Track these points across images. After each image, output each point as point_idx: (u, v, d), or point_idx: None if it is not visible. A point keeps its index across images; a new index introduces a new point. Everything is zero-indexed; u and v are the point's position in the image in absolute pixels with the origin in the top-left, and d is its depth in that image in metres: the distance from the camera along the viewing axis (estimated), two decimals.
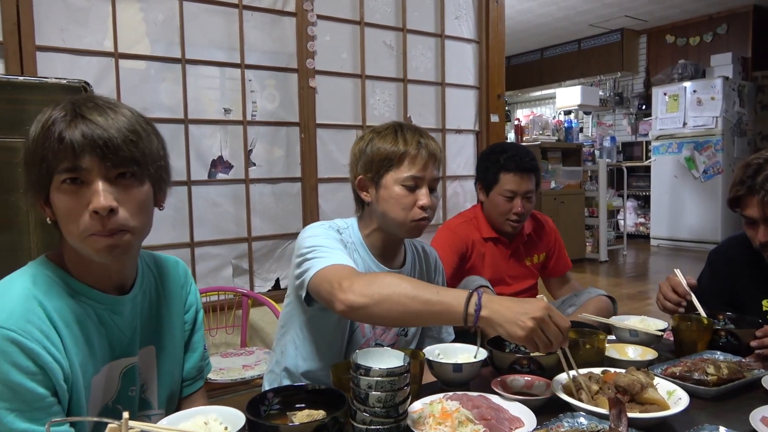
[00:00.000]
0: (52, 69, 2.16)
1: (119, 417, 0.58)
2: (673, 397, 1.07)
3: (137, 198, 0.86)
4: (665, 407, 1.03)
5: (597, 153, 7.25)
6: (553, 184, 5.76)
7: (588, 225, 6.24)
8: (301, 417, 0.97)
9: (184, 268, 1.14)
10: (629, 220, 7.68)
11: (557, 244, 2.11)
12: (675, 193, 6.93)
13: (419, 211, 1.25)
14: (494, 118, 3.25)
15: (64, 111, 0.83)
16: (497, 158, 1.90)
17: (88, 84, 1.66)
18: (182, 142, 2.44)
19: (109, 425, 0.53)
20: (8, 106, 1.51)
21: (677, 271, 1.55)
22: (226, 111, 2.57)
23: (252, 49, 2.62)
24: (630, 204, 7.82)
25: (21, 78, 1.62)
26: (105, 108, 0.84)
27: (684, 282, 1.50)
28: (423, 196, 1.25)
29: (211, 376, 1.92)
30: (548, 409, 1.07)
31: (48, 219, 0.87)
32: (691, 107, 6.81)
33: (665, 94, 7.08)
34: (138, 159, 0.85)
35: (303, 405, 1.01)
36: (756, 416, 1.00)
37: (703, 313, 1.46)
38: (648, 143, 7.63)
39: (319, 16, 2.77)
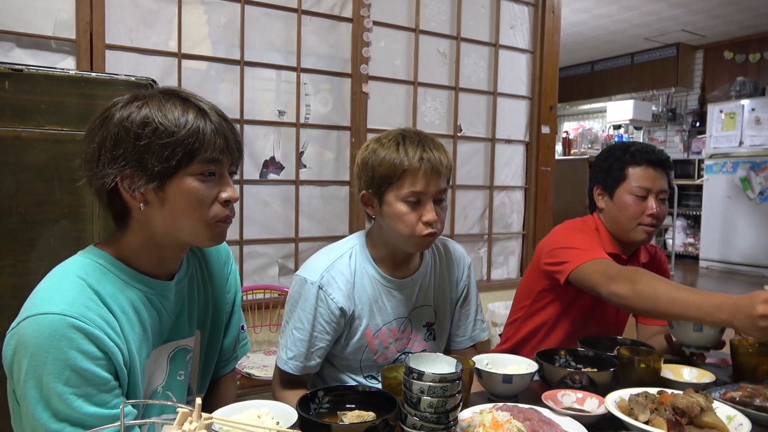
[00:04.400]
0: (118, 67, 2.25)
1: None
2: (734, 423, 1.04)
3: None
4: (723, 431, 1.00)
5: None
6: None
7: None
8: (351, 417, 0.97)
9: (226, 248, 1.16)
10: (678, 239, 7.44)
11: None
12: (728, 213, 6.68)
13: (424, 226, 1.22)
14: (545, 130, 3.21)
15: (186, 103, 0.89)
16: (623, 153, 1.64)
17: (154, 81, 1.72)
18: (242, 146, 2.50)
19: (181, 410, 0.55)
20: (80, 101, 1.57)
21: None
22: (281, 113, 2.63)
23: (308, 53, 2.67)
24: (679, 223, 7.58)
25: (94, 74, 1.69)
26: (210, 104, 0.94)
27: None
28: (427, 212, 1.21)
29: (255, 372, 1.96)
30: (601, 426, 1.05)
31: (141, 206, 0.88)
32: (748, 126, 6.56)
33: (721, 111, 6.84)
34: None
35: (353, 406, 1.01)
36: None
37: None
38: (701, 161, 7.38)
39: (375, 23, 2.80)
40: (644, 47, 8.27)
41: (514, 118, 3.20)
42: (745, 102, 6.63)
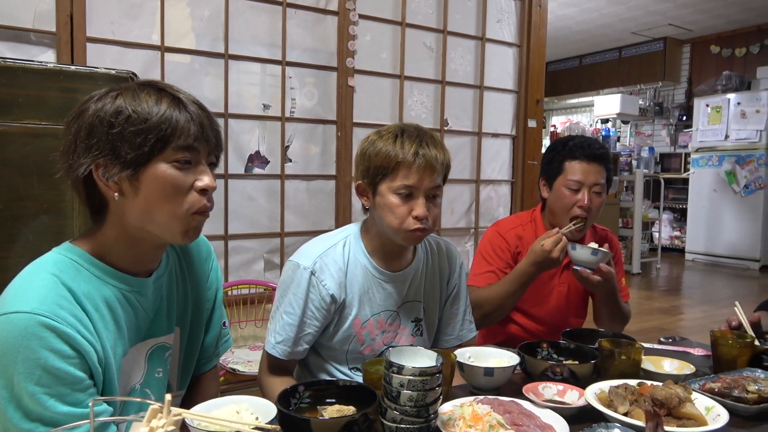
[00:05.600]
0: (100, 60, 2.22)
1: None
2: (712, 413, 1.05)
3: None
4: (703, 423, 1.01)
5: (634, 163, 7.10)
6: None
7: (622, 236, 6.13)
8: (331, 412, 0.97)
9: (207, 244, 1.15)
10: (664, 232, 7.51)
11: (618, 267, 1.85)
12: (713, 207, 6.75)
13: (414, 221, 1.22)
14: (532, 124, 3.22)
15: (160, 92, 0.88)
16: (563, 147, 1.73)
17: (135, 75, 1.70)
18: (222, 136, 2.48)
19: (151, 406, 0.54)
20: (59, 94, 1.55)
21: (737, 306, 1.51)
22: (266, 107, 2.61)
23: (293, 46, 2.65)
24: (666, 216, 7.64)
25: (73, 67, 1.66)
26: (190, 96, 0.92)
27: (743, 317, 1.46)
28: (418, 207, 1.22)
29: (239, 367, 1.95)
30: (581, 419, 1.05)
31: (116, 195, 0.87)
32: (734, 120, 6.62)
33: (708, 105, 6.90)
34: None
35: (333, 400, 1.01)
36: None
37: (749, 329, 1.42)
38: (687, 155, 7.45)
39: (361, 16, 2.79)
40: (632, 41, 8.31)
41: (500, 112, 3.20)
42: (731, 96, 6.69)
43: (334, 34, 2.74)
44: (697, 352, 1.55)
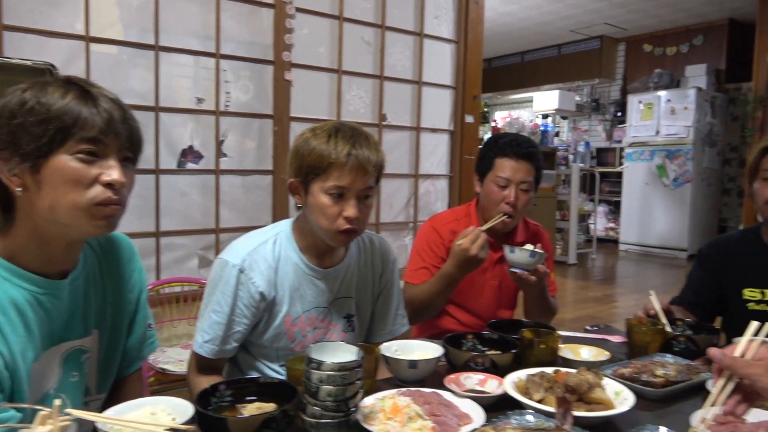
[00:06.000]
0: (18, 50, 2.11)
1: (62, 405, 0.58)
2: (620, 398, 1.10)
3: (132, 181, 0.93)
4: (610, 407, 1.06)
5: (571, 157, 7.35)
6: None
7: (559, 228, 6.33)
8: (251, 410, 0.97)
9: (129, 245, 1.12)
10: (600, 224, 7.81)
11: (547, 262, 1.88)
12: (645, 199, 7.06)
13: (344, 221, 1.22)
14: (469, 119, 3.27)
15: (68, 85, 0.86)
16: (495, 144, 1.78)
17: (53, 67, 1.63)
18: (152, 130, 2.41)
19: (40, 413, 0.53)
20: None
21: (652, 294, 1.59)
22: (199, 100, 2.55)
23: (228, 39, 2.60)
24: (601, 209, 7.95)
25: None
26: (107, 92, 0.91)
27: (657, 305, 1.55)
28: (349, 207, 1.22)
29: (170, 367, 1.91)
30: (500, 406, 1.09)
31: (18, 190, 0.85)
32: (664, 116, 6.94)
33: (640, 102, 7.20)
34: (140, 146, 0.94)
35: (255, 398, 1.01)
36: (696, 417, 1.03)
37: (662, 316, 1.50)
38: (621, 150, 7.76)
39: (298, 9, 2.76)
40: (570, 39, 8.57)
41: (439, 108, 3.24)
42: (662, 93, 7.00)
43: (270, 27, 2.70)
44: (616, 339, 1.62)
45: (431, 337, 1.78)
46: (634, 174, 7.19)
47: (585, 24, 7.76)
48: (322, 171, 1.21)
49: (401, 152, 3.13)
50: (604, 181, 7.93)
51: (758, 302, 1.63)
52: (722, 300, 1.72)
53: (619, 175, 7.59)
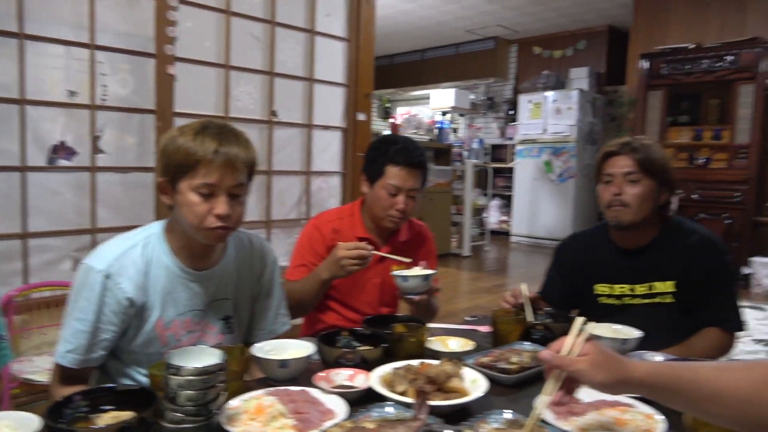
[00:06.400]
0: None
1: None
2: (476, 385, 1.18)
3: None
4: (465, 395, 1.14)
5: (466, 154, 7.65)
6: None
7: (455, 222, 6.58)
8: (106, 419, 0.94)
9: None
10: (494, 218, 8.19)
11: (431, 262, 1.94)
12: (534, 193, 7.50)
13: (214, 219, 1.22)
14: (361, 117, 3.32)
15: None
16: (386, 149, 1.79)
17: None
18: (16, 125, 2.24)
19: None
20: None
21: (523, 286, 1.70)
22: (72, 93, 2.40)
23: (104, 29, 2.46)
24: (495, 203, 8.34)
25: None
26: None
27: (526, 292, 1.66)
28: (219, 205, 1.21)
29: (37, 377, 1.80)
30: (368, 400, 1.13)
31: None
32: (551, 115, 7.39)
33: (530, 101, 7.62)
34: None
35: (113, 407, 0.98)
36: (540, 401, 1.13)
37: (528, 306, 1.61)
38: (514, 146, 8.18)
39: (182, 1, 2.66)
40: (467, 39, 8.89)
41: (331, 105, 3.26)
42: (549, 94, 7.45)
43: (151, 19, 2.59)
44: (485, 329, 1.73)
45: (317, 332, 1.81)
46: (525, 169, 7.61)
47: (480, 25, 8.08)
48: (190, 169, 1.19)
49: (293, 149, 3.12)
50: (498, 176, 8.33)
51: (608, 296, 1.78)
52: (576, 294, 1.85)
53: (512, 170, 8.00)
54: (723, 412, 0.83)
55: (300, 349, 1.31)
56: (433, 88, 8.93)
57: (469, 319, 1.97)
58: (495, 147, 8.76)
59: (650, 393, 0.86)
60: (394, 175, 1.76)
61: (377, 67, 10.60)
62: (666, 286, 1.71)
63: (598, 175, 1.77)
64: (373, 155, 1.84)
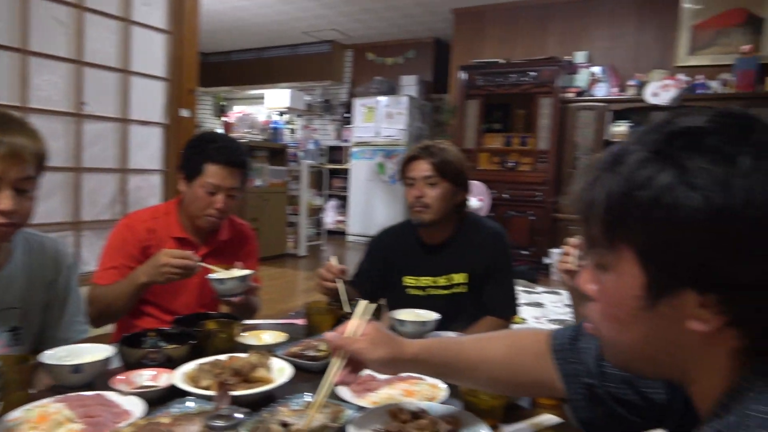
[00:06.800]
0: None
1: None
2: (282, 374, 1.22)
3: None
4: (269, 382, 1.17)
5: (302, 155, 7.71)
6: (259, 182, 5.93)
7: (291, 222, 6.60)
8: None
9: None
10: (331, 218, 8.36)
11: (252, 261, 1.95)
12: (368, 194, 7.79)
13: None
14: (184, 113, 3.20)
15: None
16: (205, 147, 1.75)
17: None
18: None
19: None
20: None
21: (332, 258, 1.77)
22: None
23: None
24: (332, 203, 8.51)
25: None
26: None
27: (342, 285, 1.71)
28: (3, 199, 1.14)
29: None
30: (170, 397, 1.11)
31: None
32: (383, 119, 7.73)
33: (363, 105, 7.89)
34: None
35: None
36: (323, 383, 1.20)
37: (344, 296, 1.68)
38: (349, 148, 8.42)
39: None
40: (304, 41, 8.95)
41: (150, 99, 3.09)
42: (382, 99, 7.78)
43: None
44: (302, 322, 1.78)
45: None
46: (359, 171, 7.86)
47: (316, 28, 8.19)
48: None
49: (107, 144, 2.90)
50: (335, 177, 8.50)
51: (414, 288, 1.94)
52: (386, 285, 1.99)
53: (347, 171, 8.22)
54: (485, 377, 0.96)
55: (96, 353, 1.25)
56: (271, 88, 8.86)
57: (293, 314, 2.01)
58: (332, 149, 8.94)
59: (424, 368, 0.96)
60: (213, 173, 1.73)
61: (212, 63, 10.27)
62: (461, 278, 1.91)
63: (402, 178, 1.91)
64: (190, 152, 1.79)
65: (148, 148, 3.08)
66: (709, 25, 5.52)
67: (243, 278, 1.60)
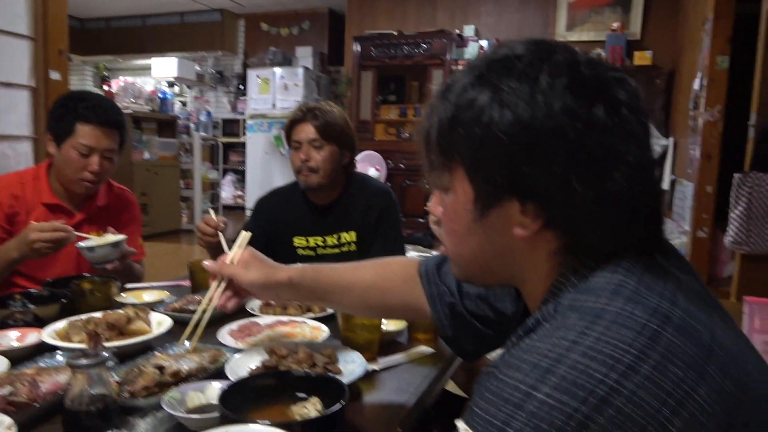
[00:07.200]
0: None
1: None
2: (161, 326, 1.21)
3: None
4: (146, 333, 1.16)
5: (193, 126, 7.40)
6: (147, 155, 5.64)
7: (184, 197, 6.36)
8: None
9: None
10: (228, 192, 8.14)
11: (135, 227, 1.91)
12: (266, 167, 7.63)
13: None
14: (54, 76, 2.96)
15: None
16: (75, 106, 1.65)
17: None
18: None
19: None
20: None
21: (211, 211, 1.74)
22: None
23: None
24: (230, 178, 8.28)
25: None
26: None
27: (216, 219, 1.68)
28: None
29: None
30: (33, 354, 1.08)
31: None
32: (279, 91, 7.56)
33: (258, 76, 7.68)
34: None
35: None
36: (224, 331, 1.22)
37: (227, 249, 1.65)
38: (245, 121, 8.19)
39: None
40: (193, 8, 8.52)
41: (14, 60, 2.83)
42: (277, 70, 7.60)
43: None
44: (188, 283, 1.74)
45: None
46: (256, 144, 7.67)
47: None
48: None
49: None
50: (232, 151, 8.26)
51: (305, 248, 1.97)
52: (275, 247, 1.99)
53: (244, 145, 8.01)
54: (357, 300, 1.01)
55: None
56: (159, 57, 8.38)
57: (177, 278, 1.96)
58: (227, 121, 8.65)
59: (300, 291, 0.99)
60: (85, 134, 1.65)
61: (91, 30, 9.52)
62: (350, 236, 1.96)
63: (288, 142, 1.92)
64: (59, 112, 1.69)
65: (15, 113, 2.83)
66: (584, 4, 5.91)
67: (115, 244, 1.54)
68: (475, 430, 0.52)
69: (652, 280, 0.57)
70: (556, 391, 0.48)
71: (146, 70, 9.20)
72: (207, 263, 0.99)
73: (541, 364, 0.51)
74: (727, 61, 3.75)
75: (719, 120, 3.81)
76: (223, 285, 0.99)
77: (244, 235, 1.05)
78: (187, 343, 1.07)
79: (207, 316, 0.98)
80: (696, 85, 4.08)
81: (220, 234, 1.64)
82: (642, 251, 0.60)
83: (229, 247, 1.60)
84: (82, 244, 1.53)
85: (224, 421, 0.73)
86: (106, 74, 9.25)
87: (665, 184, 4.69)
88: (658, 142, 4.67)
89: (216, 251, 1.66)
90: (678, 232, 4.26)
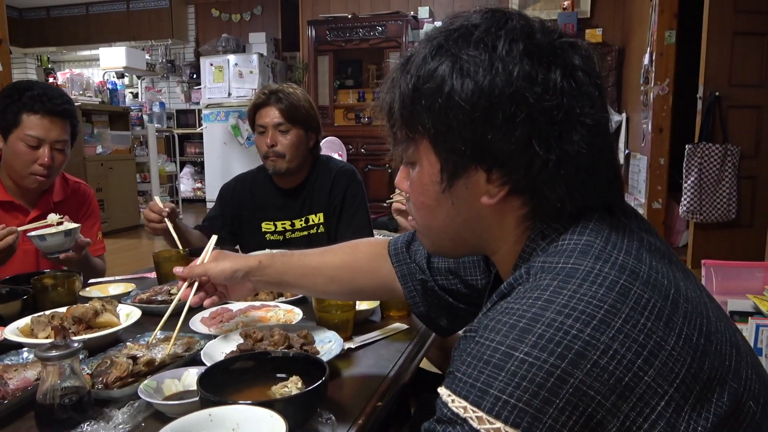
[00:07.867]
0: None
1: None
2: (130, 317, 1.19)
3: None
4: (115, 325, 1.14)
5: (146, 118, 7.19)
6: (99, 149, 5.47)
7: (141, 191, 6.20)
8: None
9: None
10: (188, 185, 7.97)
11: (94, 221, 1.87)
12: (225, 158, 7.49)
13: None
14: None
15: None
16: (20, 96, 1.59)
17: None
18: None
19: None
20: None
21: (156, 198, 1.70)
22: None
23: None
24: (188, 170, 8.10)
25: None
26: None
27: (161, 205, 1.64)
28: None
29: None
30: (4, 351, 1.05)
31: None
32: (234, 79, 7.41)
33: (212, 64, 7.50)
34: None
35: None
36: (195, 319, 1.20)
37: (175, 235, 1.61)
38: (200, 111, 8.00)
39: None
40: None
41: None
42: (231, 57, 7.44)
43: None
44: (153, 275, 1.71)
45: None
46: (213, 134, 7.51)
47: None
48: None
49: None
50: (188, 142, 8.07)
51: (273, 233, 1.95)
52: (241, 233, 1.98)
53: (201, 136, 7.83)
54: (326, 282, 1.01)
55: None
56: (106, 47, 8.08)
57: (142, 270, 1.92)
58: (180, 112, 8.44)
59: (270, 276, 0.99)
60: (32, 124, 1.59)
61: (30, 20, 9.11)
62: (318, 218, 1.95)
63: (252, 126, 1.89)
64: (4, 103, 1.61)
65: None
66: None
67: (68, 232, 1.48)
68: (457, 394, 0.52)
69: (618, 238, 0.59)
70: (535, 349, 0.50)
71: (93, 60, 8.88)
72: (177, 269, 0.98)
73: (518, 324, 0.52)
74: (675, 36, 3.87)
75: (669, 94, 3.94)
76: (195, 286, 0.97)
77: (213, 239, 1.05)
78: (159, 334, 1.06)
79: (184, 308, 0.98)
80: (645, 60, 4.20)
81: (167, 220, 1.62)
82: (605, 212, 0.62)
83: (179, 236, 1.61)
84: (33, 233, 1.47)
85: (205, 404, 0.73)
86: (50, 66, 8.88)
87: (620, 160, 4.84)
88: (612, 118, 4.80)
89: (166, 237, 1.64)
90: (634, 205, 4.40)
